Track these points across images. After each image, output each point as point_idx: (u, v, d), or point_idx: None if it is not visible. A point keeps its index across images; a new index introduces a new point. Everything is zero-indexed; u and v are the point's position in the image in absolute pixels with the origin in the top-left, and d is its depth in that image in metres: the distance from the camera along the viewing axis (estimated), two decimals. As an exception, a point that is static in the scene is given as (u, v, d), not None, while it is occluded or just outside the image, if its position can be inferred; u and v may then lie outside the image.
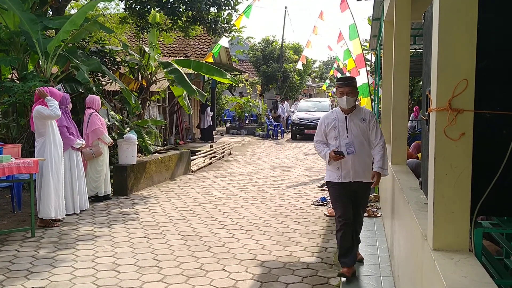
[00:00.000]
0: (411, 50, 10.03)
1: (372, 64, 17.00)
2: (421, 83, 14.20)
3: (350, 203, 4.76)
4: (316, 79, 53.24)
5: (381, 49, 8.23)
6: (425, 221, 2.67)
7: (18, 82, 8.99)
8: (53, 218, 6.92)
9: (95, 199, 8.51)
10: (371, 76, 15.34)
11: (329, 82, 50.73)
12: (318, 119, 21.12)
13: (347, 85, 4.78)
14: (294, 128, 22.52)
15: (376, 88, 11.29)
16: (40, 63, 9.19)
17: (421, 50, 10.64)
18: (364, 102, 14.63)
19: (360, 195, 4.88)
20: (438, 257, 2.21)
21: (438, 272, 2.08)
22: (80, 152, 7.83)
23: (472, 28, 2.22)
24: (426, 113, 3.03)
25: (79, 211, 7.66)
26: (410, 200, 3.46)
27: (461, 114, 2.22)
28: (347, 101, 4.74)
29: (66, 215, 7.41)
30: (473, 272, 2.05)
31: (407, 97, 5.79)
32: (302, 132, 21.89)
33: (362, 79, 13.39)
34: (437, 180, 2.29)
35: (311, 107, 23.61)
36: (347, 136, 4.72)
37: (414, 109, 15.20)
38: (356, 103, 4.85)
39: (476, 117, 2.29)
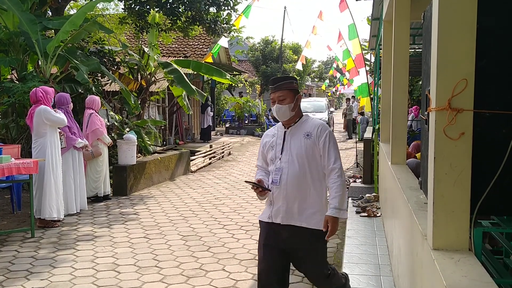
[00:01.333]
0: (410, 50, 10.04)
1: (372, 64, 17.01)
2: (420, 82, 14.21)
3: (279, 259, 3.36)
4: (316, 79, 53.27)
5: (381, 49, 8.23)
6: (424, 220, 2.67)
7: (17, 82, 8.98)
8: (55, 219, 6.93)
9: (94, 199, 8.51)
10: (370, 76, 15.35)
11: (328, 82, 50.80)
12: None
13: (277, 88, 3.38)
14: None
15: (376, 88, 11.29)
16: (40, 63, 9.18)
17: (421, 50, 10.65)
18: (364, 102, 14.64)
19: (297, 248, 3.35)
20: (438, 257, 2.21)
21: (438, 271, 2.08)
22: (81, 152, 7.85)
23: (472, 27, 2.22)
24: (426, 113, 3.03)
25: (79, 210, 7.68)
26: (410, 200, 3.46)
27: (461, 114, 2.22)
28: (278, 111, 3.36)
29: (70, 214, 7.45)
30: (473, 272, 2.05)
31: (406, 97, 5.79)
32: None
33: (361, 79, 13.40)
34: (436, 179, 2.29)
35: (307, 108, 22.29)
36: (280, 159, 3.35)
37: (413, 108, 15.19)
38: (308, 115, 3.59)
39: (476, 117, 2.29)
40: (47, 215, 6.81)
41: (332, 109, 24.46)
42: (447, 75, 2.25)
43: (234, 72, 20.41)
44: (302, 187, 3.29)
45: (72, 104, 7.79)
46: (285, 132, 3.43)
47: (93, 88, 9.38)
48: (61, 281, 4.85)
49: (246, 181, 3.55)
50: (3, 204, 8.06)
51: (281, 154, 3.36)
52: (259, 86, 32.81)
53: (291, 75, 31.26)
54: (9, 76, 10.09)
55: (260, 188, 3.29)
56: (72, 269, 5.19)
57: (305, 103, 23.36)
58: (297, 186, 3.28)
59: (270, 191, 3.32)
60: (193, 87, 11.13)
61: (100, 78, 10.71)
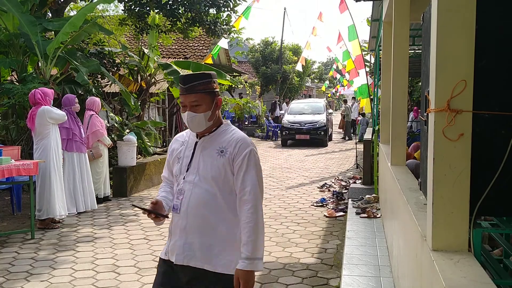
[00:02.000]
0: (410, 51, 10.05)
1: (372, 65, 17.02)
2: (420, 83, 14.22)
3: None
4: (316, 80, 53.30)
5: (380, 50, 8.24)
6: (424, 221, 2.67)
7: (17, 84, 8.98)
8: (55, 220, 6.97)
9: (94, 200, 8.52)
10: (370, 77, 15.37)
11: (328, 83, 50.83)
12: (312, 123, 17.97)
13: (190, 91, 2.50)
14: (284, 133, 19.75)
15: (376, 89, 11.30)
16: (40, 65, 9.19)
17: (420, 51, 10.66)
18: (364, 103, 14.65)
19: None
20: (437, 258, 2.21)
21: (437, 272, 2.09)
22: (86, 153, 7.91)
23: (471, 28, 2.23)
24: (425, 114, 3.04)
25: (89, 209, 7.81)
26: (410, 201, 3.47)
27: (460, 115, 2.23)
28: (191, 121, 2.52)
29: (74, 214, 7.61)
30: (472, 273, 2.06)
31: (406, 98, 5.80)
32: (293, 137, 19.55)
33: (361, 80, 13.43)
34: (436, 180, 2.29)
35: (304, 109, 21.06)
36: (184, 178, 2.57)
37: (413, 109, 15.24)
38: (229, 124, 2.67)
39: (475, 118, 2.29)
40: (57, 214, 6.88)
41: (330, 110, 23.33)
42: (446, 76, 2.26)
43: (234, 73, 20.44)
44: (208, 217, 2.49)
45: (78, 105, 7.79)
46: (196, 142, 2.61)
47: (93, 89, 9.39)
48: (61, 283, 4.85)
49: (133, 205, 2.84)
50: (3, 206, 8.06)
51: (187, 171, 2.57)
52: (259, 87, 32.81)
53: (290, 76, 31.24)
54: (9, 78, 10.11)
55: (153, 214, 2.53)
56: (72, 271, 5.19)
57: (303, 105, 22.17)
58: (201, 216, 2.49)
59: (167, 217, 2.61)
60: (193, 88, 11.12)
61: (100, 79, 10.72)
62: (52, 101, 7.10)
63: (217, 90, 2.62)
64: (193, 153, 2.60)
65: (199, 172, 2.53)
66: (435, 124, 2.28)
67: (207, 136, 2.59)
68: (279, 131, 23.01)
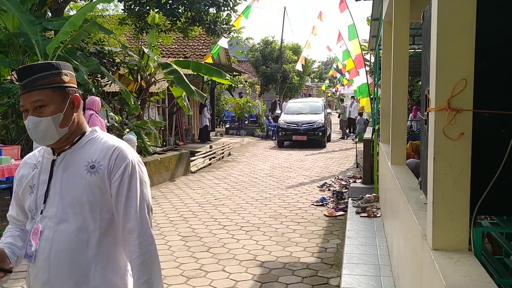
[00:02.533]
0: (410, 50, 10.04)
1: (372, 64, 17.01)
2: (420, 83, 14.21)
3: None
4: (316, 80, 53.29)
5: (380, 49, 8.24)
6: (424, 221, 2.67)
7: (17, 83, 8.98)
8: None
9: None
10: (370, 76, 15.36)
11: (328, 82, 50.83)
12: (309, 123, 17.43)
13: (28, 87, 1.83)
14: (280, 134, 18.98)
15: (376, 88, 11.29)
16: (40, 64, 9.18)
17: (420, 50, 10.65)
18: (364, 102, 14.65)
19: None
20: (437, 257, 2.21)
21: (437, 271, 2.08)
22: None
23: (471, 27, 2.23)
24: (425, 113, 3.04)
25: None
26: (410, 200, 3.46)
27: (460, 114, 2.22)
28: (34, 129, 1.84)
29: None
30: (473, 272, 2.06)
31: (406, 97, 5.79)
32: (290, 138, 18.78)
33: (361, 79, 13.43)
34: (436, 180, 2.29)
35: (302, 109, 20.16)
36: (41, 212, 1.87)
37: (413, 109, 15.22)
38: (97, 130, 2.00)
39: (475, 117, 2.29)
40: None
41: (329, 110, 22.15)
42: (446, 75, 2.25)
43: (234, 73, 20.45)
44: (80, 263, 1.83)
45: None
46: (53, 161, 1.91)
47: (93, 89, 9.39)
48: (61, 282, 4.85)
49: None
50: (2, 205, 8.06)
51: (45, 202, 1.87)
52: (259, 86, 32.82)
53: (290, 75, 31.25)
54: (8, 77, 10.10)
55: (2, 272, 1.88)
56: (72, 270, 5.19)
57: (300, 104, 21.23)
58: (70, 263, 1.82)
59: (11, 272, 1.95)
60: (193, 87, 11.15)
61: (100, 79, 10.72)
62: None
63: (72, 85, 1.94)
64: (50, 176, 1.89)
65: (63, 201, 1.84)
66: (435, 123, 2.28)
67: (69, 149, 1.90)
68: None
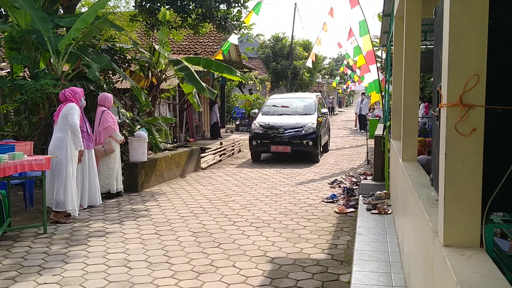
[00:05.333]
0: (421, 46, 9.97)
1: (383, 60, 16.92)
2: (432, 79, 14.10)
3: None
4: (326, 76, 53.13)
5: (392, 45, 8.19)
6: (436, 217, 2.66)
7: (29, 80, 9.06)
8: (69, 214, 7.08)
9: (106, 196, 8.57)
10: (381, 72, 15.29)
11: (339, 79, 50.63)
12: (296, 128, 13.15)
13: None
14: (253, 143, 13.42)
15: (387, 85, 11.24)
16: (52, 61, 9.26)
17: (432, 46, 10.57)
18: (375, 98, 14.56)
19: None
20: (448, 253, 2.20)
21: (449, 268, 2.08)
22: (92, 150, 7.94)
23: (483, 22, 2.21)
24: (437, 109, 3.02)
25: (86, 206, 7.77)
26: (421, 197, 3.45)
27: (472, 110, 2.21)
28: None
29: (81, 209, 7.67)
30: (484, 268, 2.05)
31: (417, 94, 5.76)
32: (267, 148, 13.27)
33: (372, 75, 13.38)
34: (448, 176, 2.28)
35: (286, 109, 14.57)
36: None
37: (424, 105, 15.13)
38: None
39: (487, 113, 2.27)
40: (70, 207, 7.00)
41: (325, 110, 15.43)
42: (458, 70, 2.24)
43: (244, 69, 20.43)
44: None
45: (85, 102, 7.83)
46: None
47: (104, 85, 9.45)
48: (73, 277, 4.90)
49: None
50: (16, 201, 8.15)
51: None
52: (269, 83, 32.81)
53: (301, 72, 31.07)
54: (21, 74, 10.19)
55: None
56: (84, 265, 5.24)
57: (284, 100, 15.30)
58: None
59: None
60: (203, 84, 11.16)
61: (111, 75, 10.78)
62: (82, 98, 7.42)
63: None
64: None
65: None
66: (447, 119, 2.26)
67: None
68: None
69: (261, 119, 13.94)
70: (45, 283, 4.73)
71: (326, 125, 15.66)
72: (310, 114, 13.94)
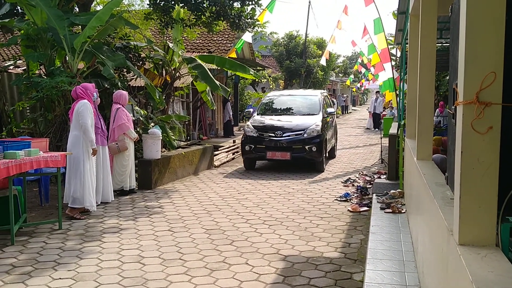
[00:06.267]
0: (437, 44, 9.88)
1: (398, 58, 16.79)
2: (447, 78, 13.96)
3: None
4: (340, 74, 52.91)
5: (407, 43, 8.13)
6: (451, 216, 2.64)
7: (45, 77, 9.16)
8: (85, 210, 7.19)
9: (120, 192, 8.63)
10: (396, 71, 15.18)
11: (353, 77, 50.39)
12: (296, 131, 11.53)
13: None
14: (246, 148, 11.57)
15: (401, 83, 11.15)
16: (67, 58, 9.35)
17: (447, 44, 10.47)
18: (390, 97, 14.47)
19: None
20: (464, 252, 2.19)
21: (464, 267, 2.06)
22: (106, 147, 8.00)
23: (501, 19, 2.18)
24: (453, 107, 2.99)
25: (99, 203, 7.83)
26: (436, 195, 3.42)
27: (489, 107, 2.18)
28: None
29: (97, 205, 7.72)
30: (500, 267, 2.03)
31: (433, 92, 5.71)
32: (263, 154, 11.37)
33: (387, 73, 13.28)
34: (463, 174, 2.26)
35: (288, 108, 12.80)
36: None
37: (439, 104, 15.00)
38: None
39: (504, 110, 2.25)
40: (88, 203, 7.09)
41: (331, 109, 13.37)
42: (475, 68, 2.22)
43: (258, 68, 20.43)
44: None
45: (99, 99, 7.88)
46: None
47: (119, 83, 9.51)
48: (87, 272, 4.94)
49: None
50: (31, 197, 8.24)
51: None
52: (282, 81, 32.76)
53: (314, 70, 30.96)
54: (37, 71, 10.31)
55: None
56: (98, 261, 5.28)
57: (285, 98, 13.56)
58: None
59: None
60: (217, 82, 11.18)
61: (125, 73, 10.85)
62: (94, 93, 7.49)
63: None
64: None
65: None
66: (463, 117, 2.24)
67: None
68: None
69: (255, 120, 12.12)
70: (60, 278, 4.78)
71: (333, 127, 13.69)
72: (314, 115, 12.10)
